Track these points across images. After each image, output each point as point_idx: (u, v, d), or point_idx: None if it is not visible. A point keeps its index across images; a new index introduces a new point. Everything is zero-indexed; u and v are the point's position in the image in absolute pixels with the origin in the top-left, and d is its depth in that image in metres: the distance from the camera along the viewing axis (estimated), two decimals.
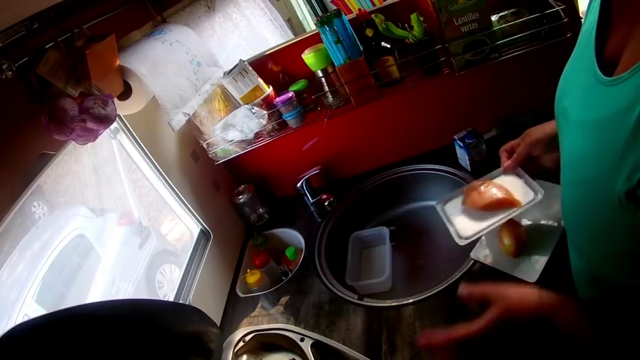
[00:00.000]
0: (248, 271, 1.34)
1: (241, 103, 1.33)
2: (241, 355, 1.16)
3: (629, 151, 0.46)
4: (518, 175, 1.00)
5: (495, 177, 1.03)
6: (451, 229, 0.98)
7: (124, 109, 1.05)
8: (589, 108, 0.55)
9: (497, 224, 0.94)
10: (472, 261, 1.07)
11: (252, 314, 1.27)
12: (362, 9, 1.26)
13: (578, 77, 0.59)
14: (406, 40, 1.21)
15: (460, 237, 0.95)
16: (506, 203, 0.95)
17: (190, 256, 1.33)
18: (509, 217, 0.94)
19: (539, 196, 0.93)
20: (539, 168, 0.95)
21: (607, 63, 0.52)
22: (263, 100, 1.31)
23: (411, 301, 1.08)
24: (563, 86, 0.64)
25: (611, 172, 0.49)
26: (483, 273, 1.05)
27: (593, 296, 0.70)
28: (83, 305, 0.64)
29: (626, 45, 0.50)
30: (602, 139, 0.52)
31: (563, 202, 0.68)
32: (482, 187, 0.99)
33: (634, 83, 0.46)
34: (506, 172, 1.02)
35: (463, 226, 0.98)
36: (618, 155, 0.47)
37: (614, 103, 0.49)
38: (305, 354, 1.06)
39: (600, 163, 0.52)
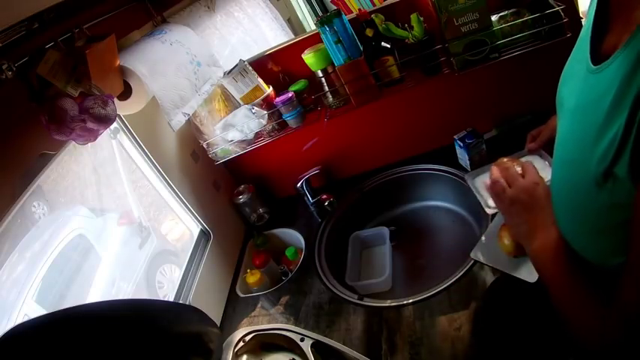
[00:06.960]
0: (248, 271, 1.34)
1: (241, 103, 1.33)
2: (241, 355, 1.16)
3: (603, 132, 0.49)
4: (541, 156, 1.05)
5: (520, 157, 1.08)
6: (480, 200, 1.07)
7: (124, 109, 1.05)
8: (578, 95, 0.59)
9: None
10: (472, 261, 1.07)
11: (252, 314, 1.27)
12: (362, 9, 1.26)
13: (575, 69, 0.63)
14: (406, 40, 1.21)
15: (488, 207, 1.05)
16: None
17: (190, 256, 1.33)
18: None
19: None
20: None
21: (603, 59, 0.54)
22: (263, 100, 1.31)
23: (411, 301, 1.08)
24: (563, 77, 0.68)
25: (589, 153, 0.52)
26: (483, 273, 1.05)
27: None
28: (83, 305, 0.64)
29: (620, 42, 0.51)
30: (582, 122, 0.56)
31: (552, 182, 0.72)
32: (509, 164, 1.03)
33: (613, 69, 0.50)
34: (530, 153, 1.07)
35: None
36: (595, 137, 0.51)
37: (595, 89, 0.53)
38: (305, 354, 1.06)
39: (580, 145, 0.56)
